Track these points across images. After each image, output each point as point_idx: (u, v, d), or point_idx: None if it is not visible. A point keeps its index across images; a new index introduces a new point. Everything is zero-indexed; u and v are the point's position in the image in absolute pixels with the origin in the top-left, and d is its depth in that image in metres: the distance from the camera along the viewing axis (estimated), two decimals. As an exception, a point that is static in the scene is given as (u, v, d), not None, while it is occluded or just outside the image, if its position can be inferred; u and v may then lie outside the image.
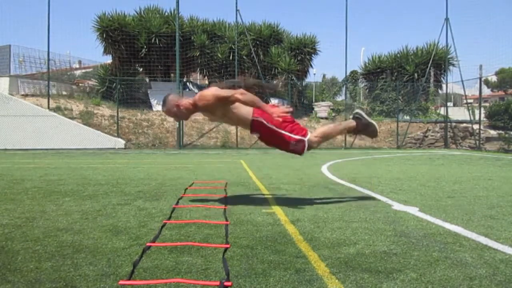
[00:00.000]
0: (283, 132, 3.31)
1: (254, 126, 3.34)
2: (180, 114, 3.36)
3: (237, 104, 3.24)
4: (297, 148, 3.35)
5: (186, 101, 3.33)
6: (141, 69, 19.60)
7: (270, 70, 18.31)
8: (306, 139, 3.34)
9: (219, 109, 3.26)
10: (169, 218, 2.99)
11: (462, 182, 5.29)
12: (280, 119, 3.22)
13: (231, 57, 17.44)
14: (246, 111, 3.29)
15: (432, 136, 16.94)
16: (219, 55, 17.87)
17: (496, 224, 2.88)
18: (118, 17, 17.80)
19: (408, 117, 17.83)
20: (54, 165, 7.73)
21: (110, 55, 18.60)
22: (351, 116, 3.75)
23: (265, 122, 3.29)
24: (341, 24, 22.19)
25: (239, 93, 3.14)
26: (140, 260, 2.02)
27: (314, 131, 3.52)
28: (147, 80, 19.57)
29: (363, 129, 3.62)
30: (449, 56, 18.12)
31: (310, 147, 3.39)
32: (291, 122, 3.39)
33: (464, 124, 17.03)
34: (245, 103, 3.19)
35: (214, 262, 2.01)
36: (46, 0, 15.05)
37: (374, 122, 3.63)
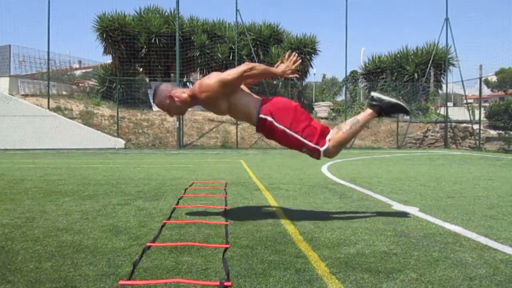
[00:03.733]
0: (295, 135, 2.81)
1: (260, 125, 2.85)
2: (174, 108, 2.86)
3: (242, 97, 2.84)
4: (310, 154, 2.88)
5: (182, 92, 2.86)
6: (141, 69, 19.62)
7: (270, 70, 18.31)
8: (322, 149, 2.82)
9: (224, 101, 2.78)
10: (169, 218, 2.99)
11: (462, 182, 5.29)
12: (293, 75, 3.06)
13: (231, 57, 17.44)
14: (253, 106, 2.84)
15: (432, 136, 16.94)
16: (219, 55, 17.87)
17: (496, 224, 2.88)
18: (118, 17, 17.81)
19: (408, 117, 17.83)
20: (54, 165, 7.73)
21: (110, 55, 18.61)
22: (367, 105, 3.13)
23: (274, 122, 2.80)
24: (341, 24, 22.17)
25: (246, 68, 2.75)
26: (140, 260, 2.02)
27: (332, 138, 2.89)
28: (147, 80, 19.58)
29: (390, 111, 3.01)
30: (449, 56, 18.12)
31: (327, 156, 2.90)
32: (307, 122, 2.87)
33: (464, 124, 17.03)
34: (257, 76, 2.92)
35: (214, 262, 2.01)
36: (46, 0, 15.08)
37: (396, 101, 2.98)
